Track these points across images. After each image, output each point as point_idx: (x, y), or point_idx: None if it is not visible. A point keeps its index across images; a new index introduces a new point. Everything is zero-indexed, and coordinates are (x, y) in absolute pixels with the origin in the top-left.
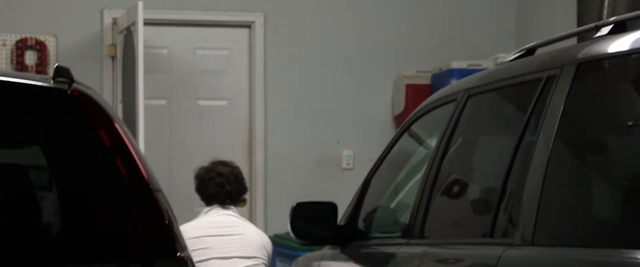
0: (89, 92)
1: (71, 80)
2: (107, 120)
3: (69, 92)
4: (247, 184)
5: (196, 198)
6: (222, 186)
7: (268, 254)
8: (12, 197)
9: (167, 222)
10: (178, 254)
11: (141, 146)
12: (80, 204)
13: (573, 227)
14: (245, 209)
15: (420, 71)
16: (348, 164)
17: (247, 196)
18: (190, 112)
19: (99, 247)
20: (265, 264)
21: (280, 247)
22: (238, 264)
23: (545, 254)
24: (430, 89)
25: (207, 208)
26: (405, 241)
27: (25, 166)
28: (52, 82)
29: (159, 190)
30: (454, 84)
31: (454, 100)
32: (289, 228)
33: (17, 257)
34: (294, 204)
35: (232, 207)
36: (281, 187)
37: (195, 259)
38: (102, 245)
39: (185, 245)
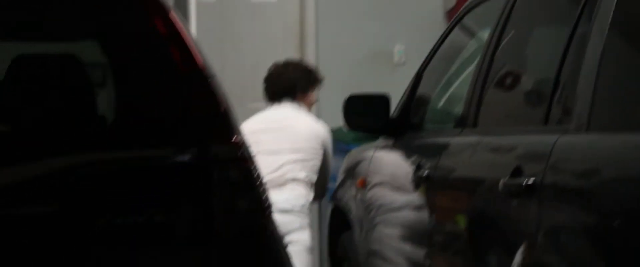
0: None
1: None
2: (161, 8)
3: None
4: (314, 81)
5: (248, 95)
6: (279, 82)
7: (321, 143)
8: (69, 85)
9: (221, 106)
10: (233, 138)
11: None
12: (135, 91)
13: (628, 112)
14: None
15: None
16: (400, 59)
17: (314, 96)
18: (241, 8)
19: (154, 132)
20: (316, 154)
21: (333, 141)
22: (286, 157)
23: (600, 140)
24: None
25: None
26: (458, 130)
27: (80, 54)
28: None
29: (214, 76)
30: None
31: None
32: (341, 121)
33: (76, 142)
34: (347, 97)
35: (290, 102)
36: (332, 82)
37: None
38: (157, 130)
39: (239, 130)
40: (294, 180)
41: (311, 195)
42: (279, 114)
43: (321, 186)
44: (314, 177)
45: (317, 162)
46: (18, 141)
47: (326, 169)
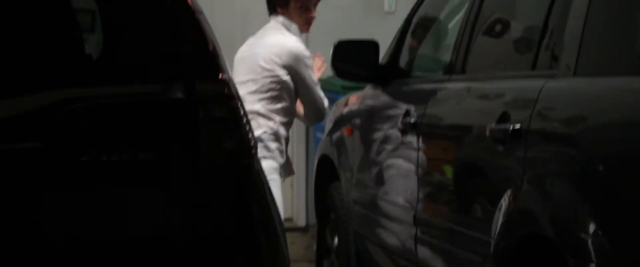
0: None
1: None
2: None
3: None
4: None
5: (237, 45)
6: None
7: (284, 63)
8: (56, 21)
9: (208, 43)
10: (220, 75)
11: None
12: (121, 28)
13: (615, 57)
14: None
15: None
16: (390, 7)
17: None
18: None
19: (140, 69)
20: (275, 79)
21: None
22: (243, 89)
23: (587, 83)
24: None
25: None
26: (446, 77)
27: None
28: None
29: (201, 12)
30: None
31: None
32: (329, 70)
33: (63, 77)
34: (336, 42)
35: (273, 20)
36: (321, 29)
37: None
38: (143, 66)
39: (226, 67)
40: (250, 112)
41: (273, 124)
42: (252, 39)
43: (310, 108)
44: (277, 106)
45: (276, 91)
46: (6, 78)
47: (305, 89)
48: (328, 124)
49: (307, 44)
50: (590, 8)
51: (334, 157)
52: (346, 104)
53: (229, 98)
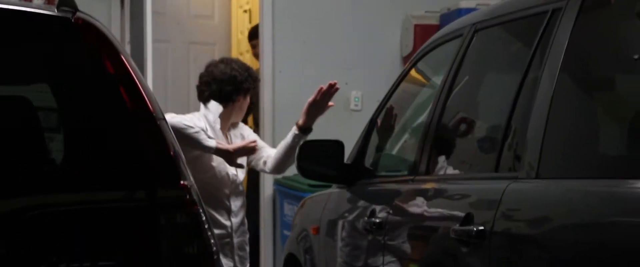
0: (92, 20)
1: (75, 9)
2: (111, 49)
3: (73, 20)
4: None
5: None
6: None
7: None
8: (17, 126)
9: (170, 151)
10: (181, 182)
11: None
12: (84, 132)
13: (577, 159)
14: None
15: (428, 11)
16: (356, 105)
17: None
18: (192, 54)
19: (102, 175)
20: None
21: (287, 189)
22: None
23: (549, 186)
24: (439, 29)
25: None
26: (411, 177)
27: (29, 95)
28: (56, 11)
29: (163, 118)
30: (461, 19)
31: (461, 35)
32: (296, 169)
33: (22, 184)
34: (301, 143)
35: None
36: (289, 128)
37: None
38: (105, 172)
39: (188, 173)
40: None
41: None
42: None
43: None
44: None
45: None
46: None
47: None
48: (294, 222)
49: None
50: (551, 110)
51: (300, 256)
52: (312, 203)
53: (191, 204)
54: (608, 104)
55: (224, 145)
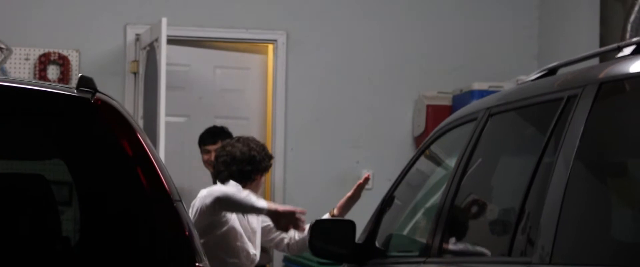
0: (111, 102)
1: (95, 90)
2: (130, 130)
3: (92, 101)
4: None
5: None
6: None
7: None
8: (34, 205)
9: (186, 231)
10: (196, 263)
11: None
12: (100, 213)
13: (591, 246)
14: None
15: (441, 92)
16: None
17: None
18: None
19: (117, 256)
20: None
21: (297, 266)
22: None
23: None
24: (451, 110)
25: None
26: (423, 259)
27: (46, 175)
28: (75, 91)
29: (179, 200)
30: (475, 103)
31: (475, 119)
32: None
33: (38, 263)
34: (313, 222)
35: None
36: (300, 205)
37: None
38: (121, 254)
39: (203, 254)
40: None
41: None
42: None
43: None
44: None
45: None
46: None
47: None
48: None
49: None
50: (565, 195)
51: None
52: None
53: None
54: (623, 191)
55: (273, 205)
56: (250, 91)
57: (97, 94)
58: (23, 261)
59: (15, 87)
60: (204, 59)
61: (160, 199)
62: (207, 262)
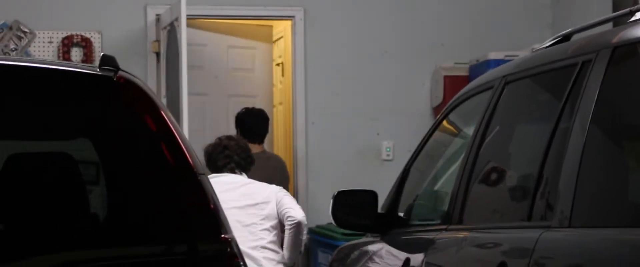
0: (134, 79)
1: (117, 68)
2: (152, 107)
3: (115, 79)
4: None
5: None
6: (230, 158)
7: (277, 199)
8: (61, 183)
9: (211, 204)
10: (222, 235)
11: None
12: (126, 188)
13: (609, 209)
14: None
15: (457, 63)
16: (388, 155)
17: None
18: (232, 106)
19: (144, 230)
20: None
21: (321, 238)
22: (249, 210)
23: (582, 235)
24: (468, 80)
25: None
26: (444, 227)
27: (72, 152)
28: (98, 70)
29: (203, 174)
30: (491, 72)
31: (491, 87)
32: (330, 217)
33: (67, 240)
34: (335, 193)
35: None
36: (322, 178)
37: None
38: (147, 227)
39: (229, 226)
40: None
41: None
42: (236, 179)
43: None
44: None
45: None
46: (12, 239)
47: None
48: None
49: (306, 194)
50: (583, 160)
51: None
52: (346, 252)
53: (232, 257)
54: (638, 153)
55: None
56: (258, 71)
57: (120, 72)
58: (53, 238)
59: (39, 68)
60: (220, 38)
61: (185, 174)
62: (233, 234)
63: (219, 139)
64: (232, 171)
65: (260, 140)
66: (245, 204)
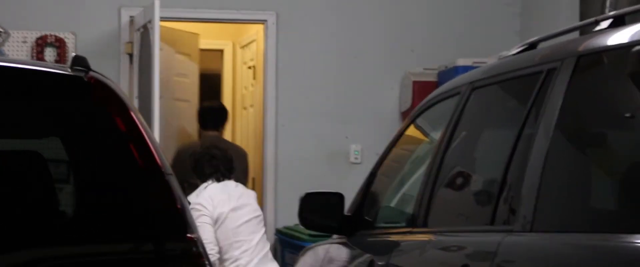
0: (105, 80)
1: (88, 68)
2: (122, 107)
3: (86, 79)
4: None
5: None
6: (216, 167)
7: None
8: (31, 181)
9: (178, 204)
10: (188, 235)
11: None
12: (94, 187)
13: (570, 214)
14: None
15: (426, 68)
16: (356, 158)
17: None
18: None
19: (112, 228)
20: None
21: (288, 238)
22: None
23: (544, 240)
24: (436, 85)
25: (205, 184)
26: (409, 230)
27: (44, 153)
28: (69, 70)
29: (171, 174)
30: (458, 78)
31: (459, 93)
32: (297, 219)
33: (35, 238)
34: (303, 195)
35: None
36: (291, 181)
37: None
38: (115, 226)
39: (195, 226)
40: None
41: None
42: (231, 185)
43: None
44: None
45: None
46: None
47: None
48: None
49: (275, 195)
50: (546, 165)
51: None
52: (312, 254)
53: (197, 256)
54: (601, 160)
55: None
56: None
57: (91, 73)
58: (22, 235)
59: (11, 67)
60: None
61: (153, 174)
62: (199, 234)
63: (208, 147)
64: (218, 180)
65: (212, 126)
66: (253, 216)
